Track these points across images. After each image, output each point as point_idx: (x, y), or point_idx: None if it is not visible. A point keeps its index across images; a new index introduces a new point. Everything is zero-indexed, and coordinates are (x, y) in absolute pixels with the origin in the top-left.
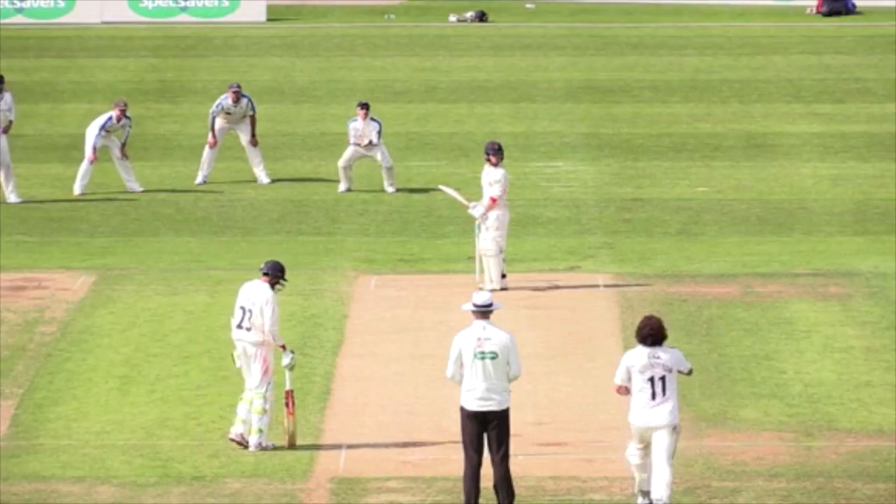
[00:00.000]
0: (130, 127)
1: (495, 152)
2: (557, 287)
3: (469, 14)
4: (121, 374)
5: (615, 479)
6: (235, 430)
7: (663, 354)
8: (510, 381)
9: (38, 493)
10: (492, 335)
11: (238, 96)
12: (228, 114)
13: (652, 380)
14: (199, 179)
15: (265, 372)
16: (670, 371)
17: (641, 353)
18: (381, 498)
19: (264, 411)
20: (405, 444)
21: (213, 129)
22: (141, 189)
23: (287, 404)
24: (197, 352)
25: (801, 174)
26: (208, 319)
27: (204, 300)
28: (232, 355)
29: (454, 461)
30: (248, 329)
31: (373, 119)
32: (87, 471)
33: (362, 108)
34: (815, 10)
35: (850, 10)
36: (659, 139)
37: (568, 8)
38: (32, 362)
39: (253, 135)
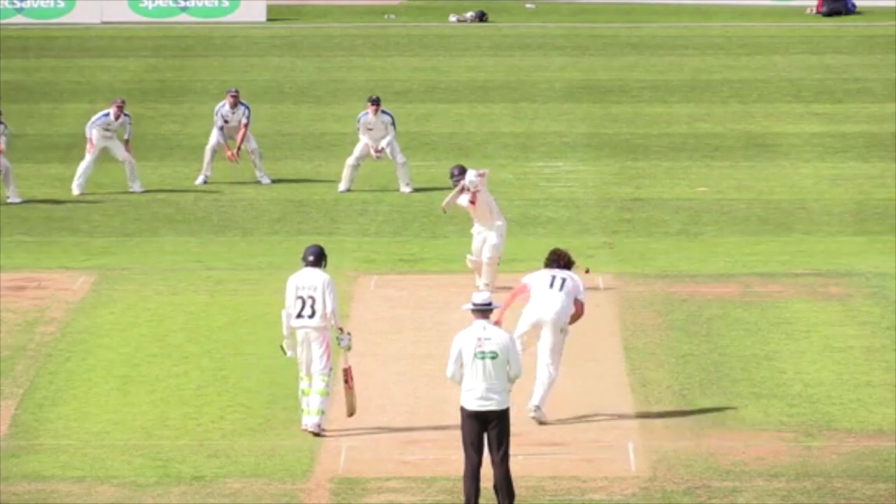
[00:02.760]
0: (131, 124)
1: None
2: None
3: (469, 14)
4: (121, 374)
5: (615, 479)
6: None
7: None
8: (510, 381)
9: (38, 493)
10: (492, 335)
11: (236, 101)
12: (226, 122)
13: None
14: (199, 180)
15: (329, 355)
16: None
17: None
18: (381, 498)
19: (327, 394)
20: (405, 444)
21: (219, 134)
22: (141, 190)
23: (346, 380)
24: (197, 352)
25: (801, 174)
26: (208, 319)
27: (204, 300)
28: (281, 346)
29: (454, 461)
30: (311, 316)
31: (384, 112)
32: (87, 471)
33: (373, 105)
34: (815, 10)
35: (850, 10)
36: (659, 139)
37: (568, 8)
38: (32, 362)
39: (238, 147)
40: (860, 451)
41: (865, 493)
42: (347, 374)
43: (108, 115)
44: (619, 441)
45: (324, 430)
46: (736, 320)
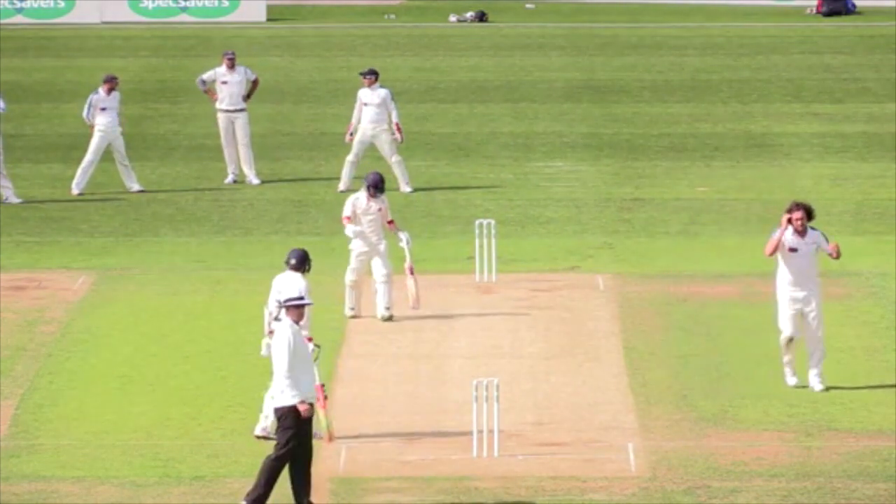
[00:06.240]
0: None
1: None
2: (557, 287)
3: (469, 14)
4: (121, 374)
5: (615, 479)
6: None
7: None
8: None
9: (38, 493)
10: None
11: (233, 63)
12: (224, 83)
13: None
14: (229, 178)
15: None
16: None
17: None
18: (381, 498)
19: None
20: (405, 444)
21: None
22: (141, 189)
23: (317, 399)
24: (197, 352)
25: (801, 174)
26: (208, 319)
27: (204, 300)
28: (262, 344)
29: (454, 461)
30: None
31: (381, 87)
32: (87, 471)
33: (366, 77)
34: (815, 10)
35: (850, 10)
36: (659, 139)
37: (568, 8)
38: (32, 362)
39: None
40: (860, 451)
41: (865, 493)
42: (320, 392)
43: (98, 92)
44: (619, 441)
45: (260, 436)
46: (736, 320)
